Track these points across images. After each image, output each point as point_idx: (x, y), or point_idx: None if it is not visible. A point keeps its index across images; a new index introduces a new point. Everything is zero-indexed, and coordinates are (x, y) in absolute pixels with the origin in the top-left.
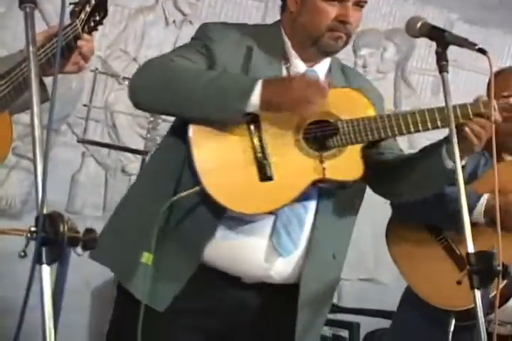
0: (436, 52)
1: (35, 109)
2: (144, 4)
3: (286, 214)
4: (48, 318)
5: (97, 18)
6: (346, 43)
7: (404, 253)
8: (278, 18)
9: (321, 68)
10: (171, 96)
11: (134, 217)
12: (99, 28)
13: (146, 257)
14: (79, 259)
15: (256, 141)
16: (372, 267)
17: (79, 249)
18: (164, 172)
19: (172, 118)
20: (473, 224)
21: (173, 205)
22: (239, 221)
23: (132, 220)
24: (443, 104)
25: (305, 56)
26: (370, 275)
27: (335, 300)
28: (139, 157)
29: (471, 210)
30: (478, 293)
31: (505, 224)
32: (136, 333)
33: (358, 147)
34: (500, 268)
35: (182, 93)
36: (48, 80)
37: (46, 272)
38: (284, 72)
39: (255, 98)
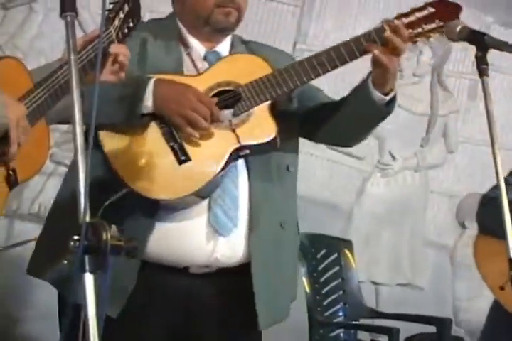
0: (476, 57)
1: (77, 116)
2: None
3: (218, 193)
4: (92, 328)
5: (131, 24)
6: (239, 19)
7: (493, 270)
8: (312, 22)
9: (223, 48)
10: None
11: (66, 225)
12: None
13: None
14: None
15: (164, 129)
16: (408, 272)
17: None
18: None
19: None
20: None
21: (107, 209)
22: (175, 210)
23: (65, 228)
24: (480, 109)
25: (202, 38)
26: (407, 280)
27: (373, 305)
28: None
29: None
30: None
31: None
32: None
33: (265, 106)
34: None
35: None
36: None
37: (89, 280)
38: (186, 59)
39: (148, 99)
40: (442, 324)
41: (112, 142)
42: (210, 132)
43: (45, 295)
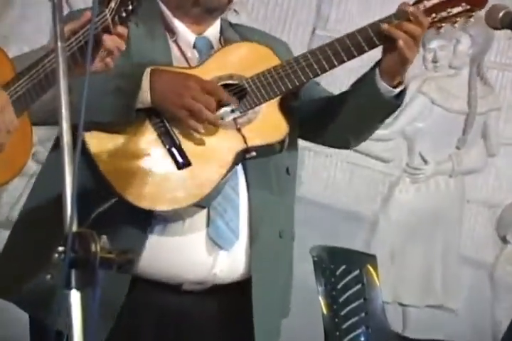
0: None
1: (64, 111)
2: None
3: (219, 202)
4: None
5: (130, 7)
6: None
7: None
8: (333, 6)
9: (212, 33)
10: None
11: (37, 236)
12: None
13: None
14: None
15: (160, 129)
16: (441, 292)
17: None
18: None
19: None
20: None
21: (93, 223)
22: (170, 221)
23: (36, 240)
24: None
25: (190, 22)
26: (438, 301)
27: (399, 330)
28: None
29: None
30: None
31: None
32: None
33: (275, 102)
34: None
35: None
36: None
37: (75, 298)
38: (174, 47)
39: (144, 92)
40: None
41: (99, 144)
42: (214, 130)
43: (9, 319)
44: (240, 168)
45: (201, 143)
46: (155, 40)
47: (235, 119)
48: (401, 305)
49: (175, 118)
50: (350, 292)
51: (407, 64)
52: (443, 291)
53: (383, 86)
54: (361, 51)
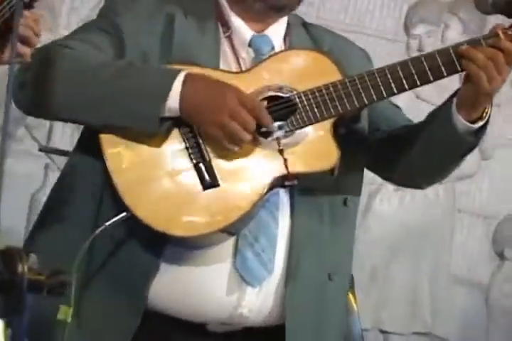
0: None
1: None
2: None
3: (250, 229)
4: None
5: None
6: None
7: None
8: None
9: (275, 32)
10: (57, 98)
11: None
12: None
13: (63, 312)
14: None
15: (190, 141)
16: (429, 317)
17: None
18: (77, 200)
19: None
20: None
21: (96, 240)
22: (189, 247)
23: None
24: None
25: (250, 18)
26: (426, 328)
27: None
28: None
29: None
30: None
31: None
32: None
33: (328, 124)
34: None
35: (73, 94)
36: None
37: None
38: (226, 44)
39: (173, 99)
40: None
41: (116, 150)
42: (252, 148)
43: None
44: (285, 193)
45: (234, 161)
46: (204, 34)
47: (277, 138)
48: (382, 332)
49: (207, 135)
50: None
51: (487, 96)
52: (432, 316)
53: (459, 120)
54: (440, 75)
